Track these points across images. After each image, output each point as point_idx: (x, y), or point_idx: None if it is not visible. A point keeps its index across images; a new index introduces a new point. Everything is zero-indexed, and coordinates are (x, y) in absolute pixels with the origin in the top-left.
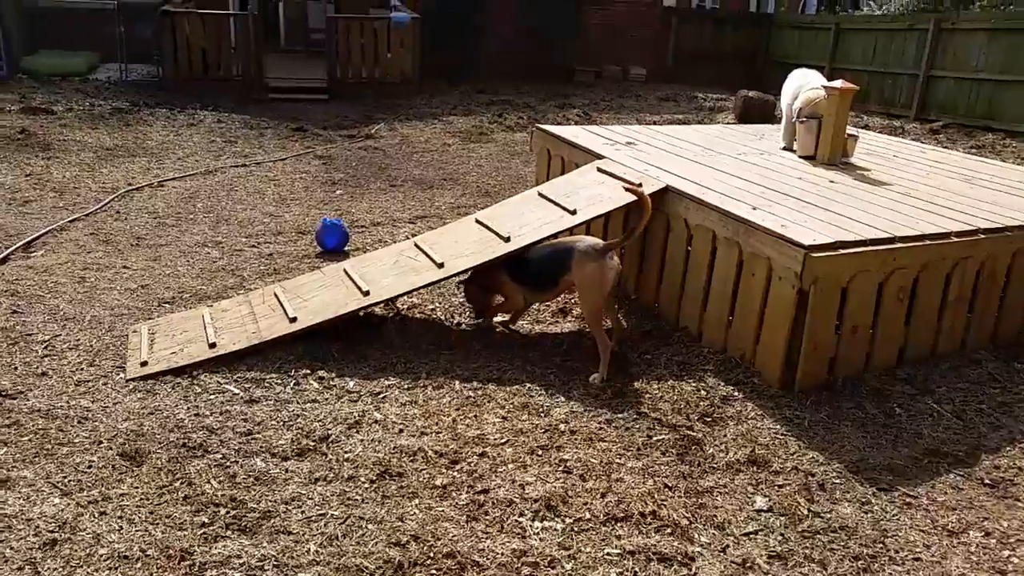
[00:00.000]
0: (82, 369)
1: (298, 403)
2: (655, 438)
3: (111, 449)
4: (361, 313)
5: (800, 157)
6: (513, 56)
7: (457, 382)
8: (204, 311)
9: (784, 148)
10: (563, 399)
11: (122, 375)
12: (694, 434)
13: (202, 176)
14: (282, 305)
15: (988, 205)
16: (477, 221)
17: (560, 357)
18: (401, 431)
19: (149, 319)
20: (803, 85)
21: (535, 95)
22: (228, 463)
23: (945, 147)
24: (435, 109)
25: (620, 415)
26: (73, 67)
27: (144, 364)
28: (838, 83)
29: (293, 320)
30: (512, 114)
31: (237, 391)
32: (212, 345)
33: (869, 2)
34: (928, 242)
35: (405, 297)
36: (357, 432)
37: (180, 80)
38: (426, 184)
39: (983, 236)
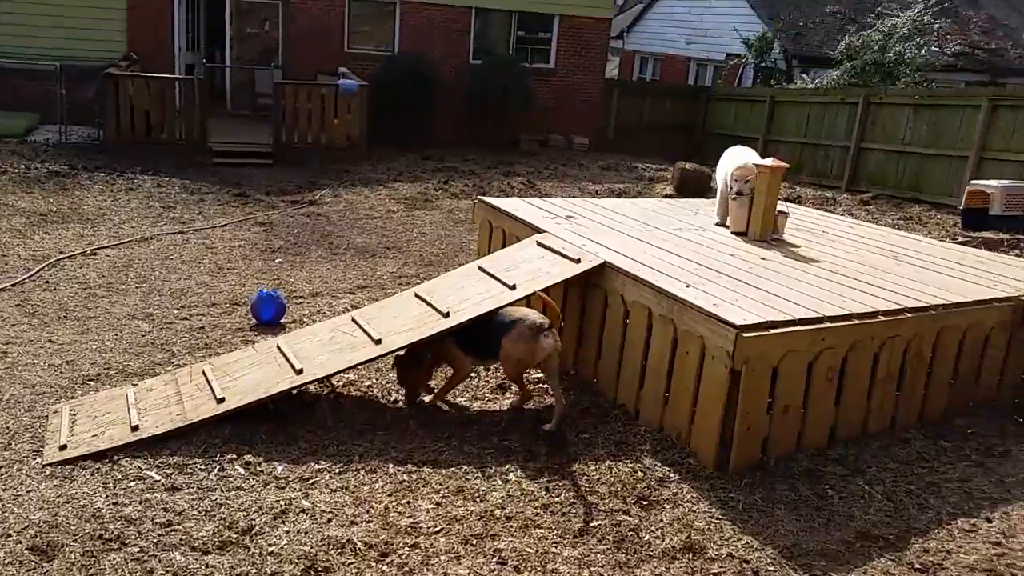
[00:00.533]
0: None
1: (222, 490)
2: (592, 524)
3: (20, 543)
4: (293, 392)
5: (733, 233)
6: (460, 124)
7: (391, 465)
8: (129, 390)
9: (718, 223)
10: (500, 482)
11: (39, 460)
12: (631, 519)
13: (137, 244)
14: (210, 384)
15: (914, 283)
16: (417, 295)
17: (498, 436)
18: (330, 520)
19: (72, 398)
20: (737, 162)
21: (481, 162)
22: (146, 557)
23: (875, 218)
24: (381, 175)
25: (557, 499)
26: (10, 128)
27: (63, 448)
28: (768, 161)
29: (221, 401)
30: (458, 181)
31: (158, 477)
32: (135, 428)
33: (802, 76)
34: (856, 321)
35: (341, 374)
36: (283, 522)
37: (121, 143)
38: (369, 252)
39: (909, 315)
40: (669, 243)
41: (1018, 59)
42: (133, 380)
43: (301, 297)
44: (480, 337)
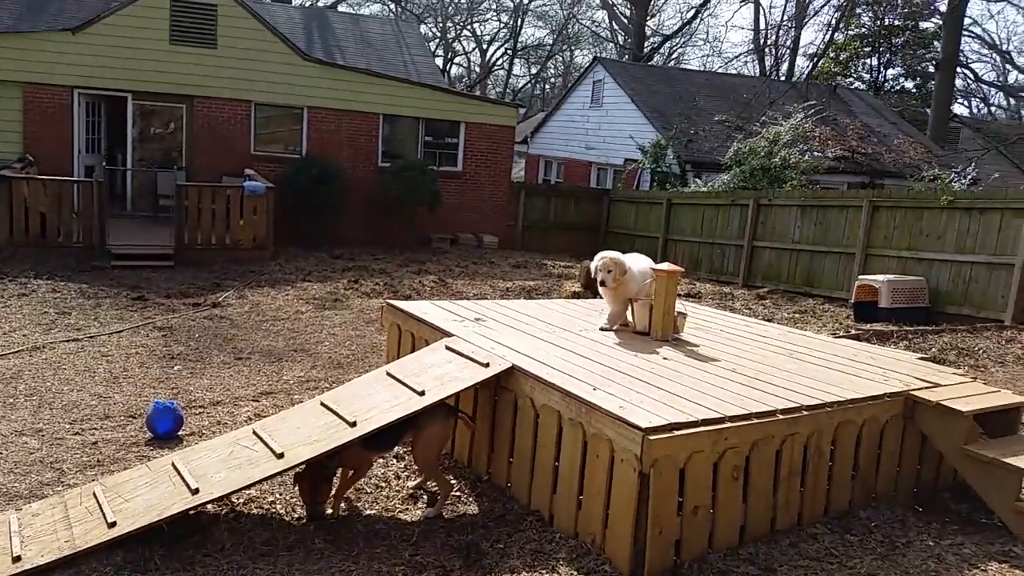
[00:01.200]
0: None
1: None
2: None
3: None
4: (190, 512)
5: (635, 332)
6: (371, 224)
7: None
8: (12, 516)
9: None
10: None
11: None
12: None
13: (28, 353)
14: (101, 507)
15: (809, 380)
16: (322, 404)
17: (410, 551)
18: None
19: None
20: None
21: (392, 261)
22: None
23: (771, 312)
24: (289, 275)
25: None
26: None
27: None
28: (665, 265)
29: (112, 525)
30: (369, 280)
31: None
32: (16, 559)
33: (695, 179)
34: (755, 420)
35: (242, 491)
36: None
37: (15, 246)
38: (275, 356)
39: (806, 412)
40: (576, 344)
41: (892, 162)
42: (18, 504)
43: (201, 407)
44: (384, 429)
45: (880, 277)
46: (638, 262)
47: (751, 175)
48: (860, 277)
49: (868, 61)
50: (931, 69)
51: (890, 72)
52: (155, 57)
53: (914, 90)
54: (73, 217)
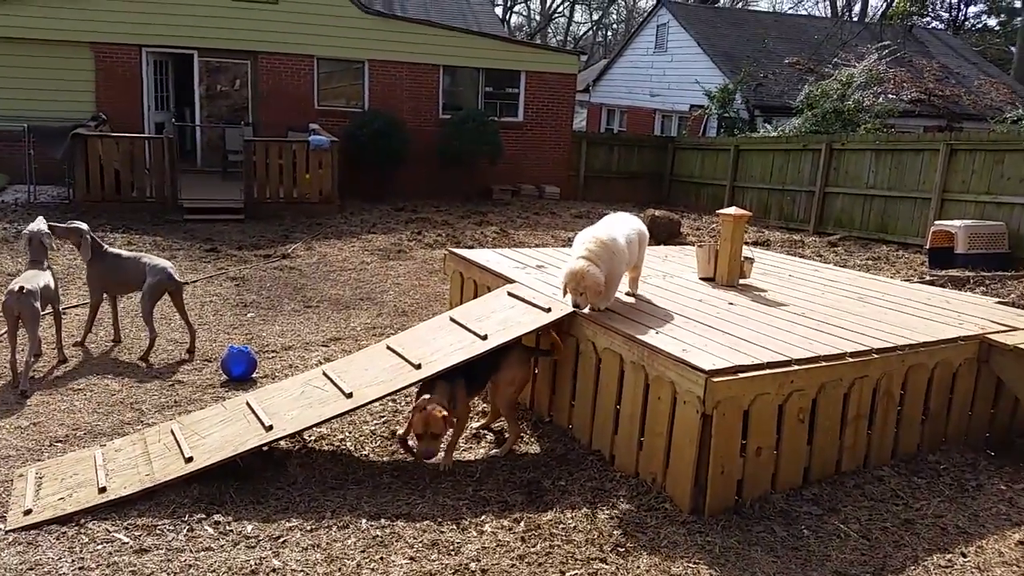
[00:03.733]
0: None
1: (191, 551)
2: (568, 574)
3: None
4: (263, 448)
5: (700, 279)
6: (433, 176)
7: (364, 520)
8: (97, 451)
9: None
10: (475, 534)
11: (2, 526)
12: (608, 567)
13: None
14: (178, 444)
15: (880, 324)
16: (388, 347)
17: (473, 487)
18: None
19: (38, 460)
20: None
21: (454, 212)
22: None
23: (843, 259)
24: (354, 227)
25: (533, 549)
26: None
27: (28, 513)
28: (731, 210)
29: (189, 460)
30: (431, 231)
31: (126, 539)
32: (102, 490)
33: (765, 125)
34: (824, 363)
35: (313, 428)
36: None
37: (91, 202)
38: (342, 304)
39: (876, 356)
40: (639, 289)
41: (971, 104)
42: (101, 441)
43: (273, 351)
44: (476, 372)
45: (957, 222)
46: (611, 239)
47: (823, 119)
48: (936, 222)
49: None
50: (1017, 4)
51: (971, 9)
52: (219, 14)
53: (997, 28)
54: (146, 173)
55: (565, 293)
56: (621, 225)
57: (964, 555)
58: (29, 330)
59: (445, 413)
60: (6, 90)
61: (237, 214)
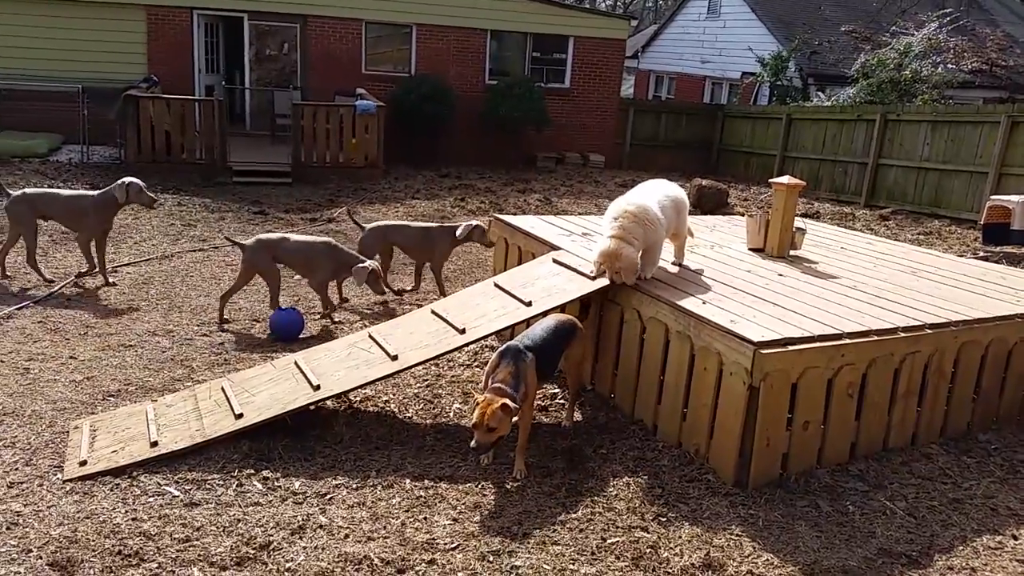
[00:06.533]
0: (17, 469)
1: (240, 506)
2: (609, 541)
3: (40, 558)
4: (311, 407)
5: (750, 249)
6: (477, 143)
7: (408, 480)
8: (148, 406)
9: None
10: (517, 497)
11: (59, 475)
12: (649, 535)
13: (158, 261)
14: (228, 400)
15: (933, 299)
16: (433, 312)
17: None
18: (347, 536)
19: (92, 414)
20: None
21: (497, 180)
22: (164, 573)
23: (894, 233)
24: (399, 193)
25: (574, 515)
26: (33, 148)
27: (83, 464)
28: (785, 179)
29: (239, 417)
30: (475, 198)
31: (177, 493)
32: (154, 444)
33: (818, 94)
34: (875, 338)
35: (358, 389)
36: (300, 538)
37: (142, 162)
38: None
39: (929, 331)
40: (686, 259)
41: None
42: (153, 396)
43: (319, 312)
44: (548, 354)
45: (1014, 197)
46: (642, 209)
47: (878, 89)
48: (992, 197)
49: None
50: None
51: None
52: None
53: None
54: (196, 135)
55: (599, 275)
56: (653, 191)
57: (1016, 537)
58: None
59: (509, 404)
60: (61, 51)
61: (284, 177)
